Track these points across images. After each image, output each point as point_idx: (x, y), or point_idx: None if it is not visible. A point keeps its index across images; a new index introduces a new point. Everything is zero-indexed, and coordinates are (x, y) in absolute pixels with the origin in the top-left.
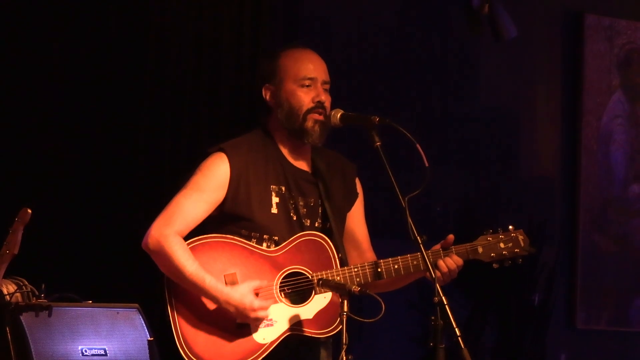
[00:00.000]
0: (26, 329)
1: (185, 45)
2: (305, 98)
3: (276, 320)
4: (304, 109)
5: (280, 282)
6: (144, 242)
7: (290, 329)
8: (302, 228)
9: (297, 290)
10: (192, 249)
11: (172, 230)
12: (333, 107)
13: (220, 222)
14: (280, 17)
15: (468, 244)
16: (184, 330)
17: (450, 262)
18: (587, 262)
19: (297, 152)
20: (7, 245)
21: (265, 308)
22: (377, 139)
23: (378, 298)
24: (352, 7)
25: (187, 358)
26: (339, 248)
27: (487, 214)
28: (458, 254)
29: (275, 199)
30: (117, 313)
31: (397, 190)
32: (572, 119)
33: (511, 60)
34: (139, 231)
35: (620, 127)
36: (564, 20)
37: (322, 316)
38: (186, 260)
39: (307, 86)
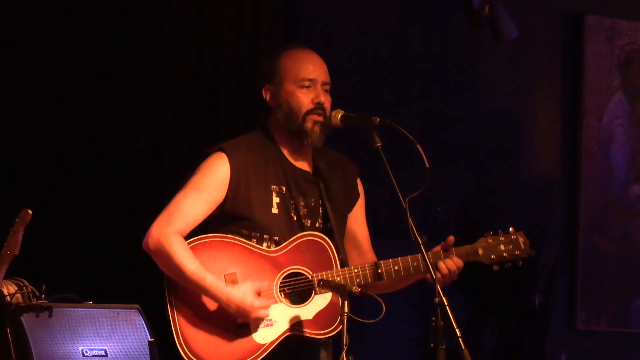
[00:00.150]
0: (27, 329)
1: (185, 45)
2: (304, 99)
3: (276, 321)
4: (304, 110)
5: (280, 283)
6: (145, 242)
7: (290, 330)
8: (303, 228)
9: (297, 290)
10: (192, 248)
11: (172, 229)
12: (333, 107)
13: (221, 221)
14: (280, 17)
15: (468, 246)
16: (184, 330)
17: (451, 264)
18: (587, 263)
19: (297, 152)
20: (7, 245)
21: (266, 307)
22: (377, 139)
23: (379, 299)
24: (352, 7)
25: (187, 358)
26: (340, 249)
27: (488, 214)
28: (458, 256)
29: (275, 199)
30: (118, 314)
31: (398, 191)
32: (572, 120)
33: (511, 60)
34: (140, 232)
35: (621, 128)
36: (565, 20)
37: (322, 317)
38: (187, 259)
39: (307, 87)
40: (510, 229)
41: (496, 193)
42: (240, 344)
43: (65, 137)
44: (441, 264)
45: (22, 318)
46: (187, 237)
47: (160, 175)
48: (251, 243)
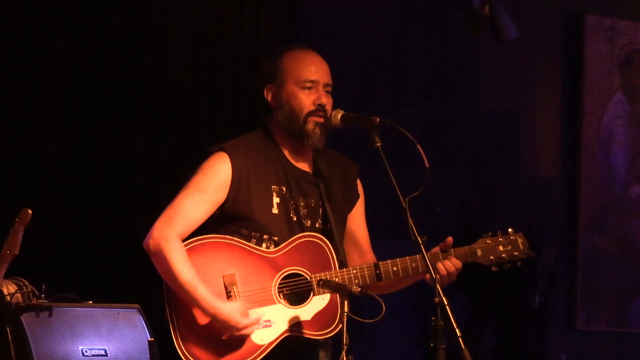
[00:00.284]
0: (27, 329)
1: (185, 45)
2: (306, 100)
3: (274, 322)
4: (305, 111)
5: (279, 283)
6: (145, 242)
7: (288, 330)
8: (302, 229)
9: (295, 291)
10: (191, 249)
11: (173, 232)
12: (333, 107)
13: (221, 221)
14: (280, 17)
15: (467, 247)
16: (183, 331)
17: (449, 265)
18: (587, 263)
19: (298, 153)
20: (7, 245)
21: (253, 324)
22: (377, 139)
23: (379, 299)
24: (352, 7)
25: (185, 358)
26: (339, 250)
27: (487, 214)
28: (457, 257)
29: (276, 199)
30: (118, 313)
31: (398, 191)
32: (572, 120)
33: (511, 61)
34: (140, 231)
35: (621, 128)
36: (564, 21)
37: (321, 317)
38: (182, 267)
39: (309, 88)
40: (509, 230)
41: (496, 193)
42: (239, 345)
43: (65, 137)
44: (440, 265)
45: (22, 318)
46: (187, 238)
47: (160, 175)
48: (250, 244)
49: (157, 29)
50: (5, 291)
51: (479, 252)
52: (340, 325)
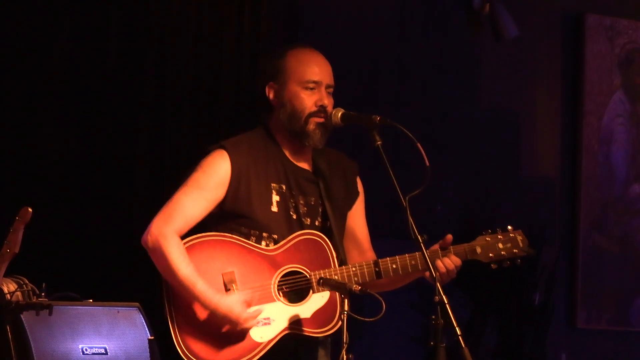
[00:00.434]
0: (27, 327)
1: (186, 45)
2: (308, 101)
3: (274, 319)
4: (307, 112)
5: (278, 281)
6: (144, 238)
7: (287, 328)
8: (302, 227)
9: (295, 289)
10: (190, 247)
11: (171, 229)
12: (334, 107)
13: (220, 219)
14: (281, 17)
15: (466, 244)
16: (182, 328)
17: (449, 262)
18: (587, 262)
19: (298, 151)
20: (7, 244)
21: (255, 317)
22: (377, 138)
23: (379, 297)
24: (352, 6)
25: (185, 356)
26: (338, 248)
27: (488, 214)
28: (456, 254)
29: (275, 197)
30: (118, 312)
31: (398, 190)
32: (572, 119)
33: (512, 60)
34: (140, 230)
35: (621, 127)
36: (565, 20)
37: (320, 315)
38: (181, 262)
39: (311, 89)
40: (509, 228)
41: (496, 192)
42: (239, 342)
43: (65, 136)
44: (439, 263)
45: (22, 316)
46: (186, 235)
47: (161, 175)
48: (249, 242)
49: (157, 29)
50: (6, 289)
51: (479, 250)
52: (340, 322)
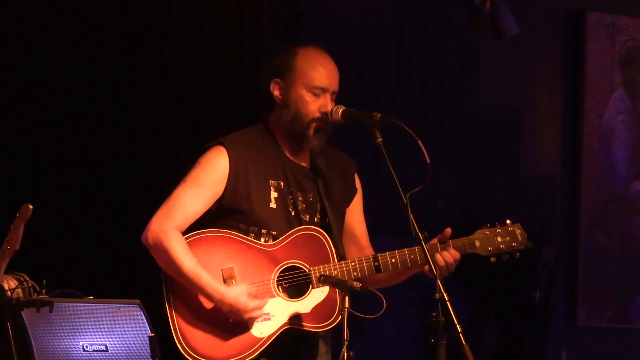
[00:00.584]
0: (27, 324)
1: (186, 43)
2: (312, 106)
3: (273, 315)
4: (310, 116)
5: (278, 277)
6: (144, 236)
7: (287, 323)
8: (301, 223)
9: (294, 284)
10: (189, 243)
11: (171, 225)
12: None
13: (219, 216)
14: (281, 15)
15: (465, 238)
16: (182, 325)
17: (448, 256)
18: (588, 260)
19: (296, 148)
20: (8, 241)
21: (260, 308)
22: (378, 135)
23: (379, 294)
24: (353, 4)
25: (185, 352)
26: (337, 244)
27: (488, 211)
28: (455, 248)
29: (274, 194)
30: (118, 309)
31: (399, 187)
32: (573, 117)
33: (512, 57)
34: (140, 228)
35: (622, 125)
36: (566, 17)
37: (320, 310)
38: (184, 256)
39: (317, 95)
40: (508, 221)
41: (497, 190)
42: (238, 338)
43: (66, 134)
44: (438, 256)
45: (22, 313)
46: (185, 232)
47: (161, 173)
48: (249, 238)
49: (158, 27)
50: (6, 286)
51: (477, 243)
52: (340, 317)
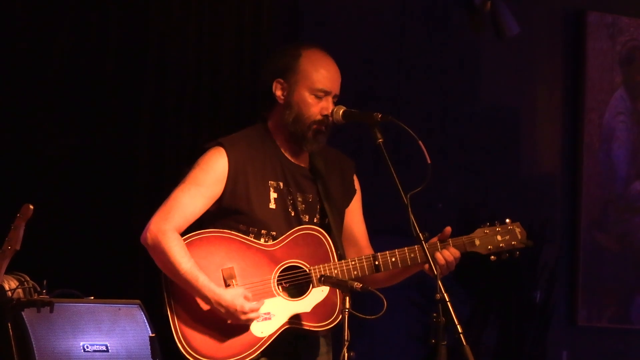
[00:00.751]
0: (28, 325)
1: (186, 44)
2: (314, 108)
3: (274, 314)
4: (311, 119)
5: (278, 276)
6: (143, 236)
7: (288, 323)
8: (300, 224)
9: (294, 283)
10: (189, 243)
11: (170, 225)
12: (335, 104)
13: (218, 217)
14: (281, 16)
15: (465, 237)
16: (182, 325)
17: (448, 254)
18: (588, 260)
19: (295, 149)
20: (9, 241)
21: (256, 310)
22: (379, 135)
23: (380, 295)
24: (353, 4)
25: (185, 352)
26: (337, 244)
27: (488, 211)
28: (455, 247)
29: (273, 195)
30: (119, 309)
31: (399, 187)
32: (573, 117)
33: (513, 57)
34: (141, 228)
35: (623, 125)
36: (566, 17)
37: (320, 309)
38: (182, 257)
39: (320, 97)
40: (507, 220)
41: (497, 190)
42: (239, 337)
43: (66, 134)
44: (438, 255)
45: (23, 313)
46: (184, 233)
47: (161, 173)
48: (248, 238)
49: (158, 28)
50: (7, 287)
51: (477, 242)
52: (340, 317)
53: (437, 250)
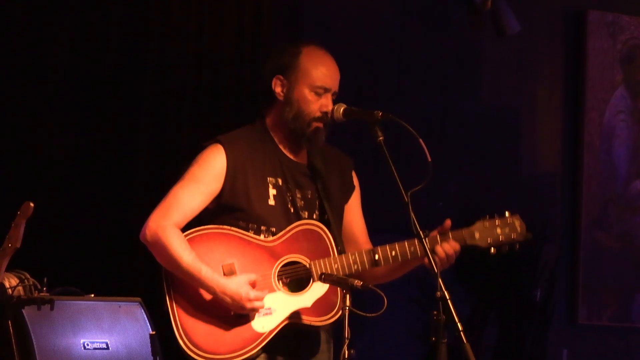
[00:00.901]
0: (28, 322)
1: (186, 42)
2: (314, 105)
3: (275, 309)
4: (311, 115)
5: (278, 271)
6: (142, 233)
7: (289, 317)
8: (300, 220)
9: (295, 278)
10: (189, 240)
11: (169, 221)
12: (335, 102)
13: (217, 214)
14: (281, 14)
15: (465, 229)
16: (183, 321)
17: (448, 247)
18: (589, 259)
19: (294, 146)
20: (9, 239)
21: (261, 298)
22: (379, 133)
23: (380, 292)
24: (353, 3)
25: (187, 348)
26: (337, 240)
27: (489, 210)
28: (455, 239)
29: (272, 191)
30: (119, 307)
31: (400, 185)
32: (574, 115)
33: (513, 56)
34: (141, 225)
35: (623, 123)
36: (567, 16)
37: (321, 304)
38: (183, 250)
39: (319, 94)
40: (506, 213)
41: (497, 189)
42: (240, 333)
43: (67, 132)
44: (438, 248)
45: (23, 311)
46: (183, 230)
47: (162, 171)
48: (248, 233)
49: (158, 27)
50: (7, 284)
51: (477, 235)
52: (341, 311)
53: (437, 243)
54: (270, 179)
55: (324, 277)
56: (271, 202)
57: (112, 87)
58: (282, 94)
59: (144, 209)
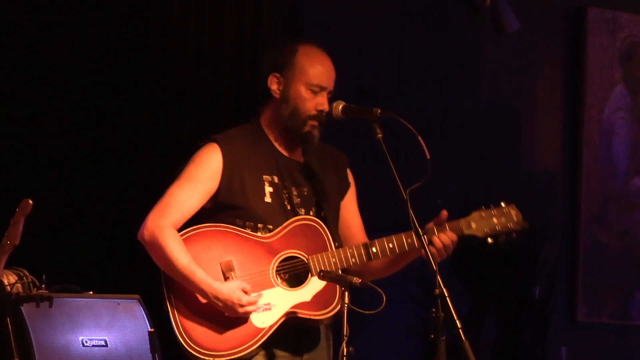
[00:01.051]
0: (27, 319)
1: (187, 43)
2: (310, 103)
3: (274, 304)
4: (307, 114)
5: (277, 267)
6: (140, 233)
7: (288, 312)
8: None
9: (293, 273)
10: (187, 238)
11: (167, 222)
12: (334, 100)
13: (214, 212)
14: (281, 13)
15: (461, 219)
16: (183, 318)
17: (445, 238)
18: (588, 256)
19: (289, 143)
20: (8, 236)
21: (254, 302)
22: (378, 131)
23: (379, 290)
24: (353, 3)
25: (187, 344)
26: (334, 236)
27: (488, 208)
28: (452, 230)
29: (268, 189)
30: (118, 304)
31: (399, 183)
32: (573, 113)
33: (513, 54)
34: (140, 223)
35: (622, 121)
36: (566, 13)
37: (320, 297)
38: (178, 252)
39: (315, 92)
40: (502, 203)
41: (497, 186)
42: (240, 329)
43: (66, 131)
44: (435, 239)
45: (22, 308)
46: (181, 228)
47: (161, 170)
48: (245, 231)
49: (158, 26)
50: (6, 281)
51: (474, 225)
52: (340, 305)
53: (434, 234)
54: (266, 176)
55: (322, 275)
56: (267, 199)
57: (112, 87)
58: (278, 91)
59: (143, 206)
